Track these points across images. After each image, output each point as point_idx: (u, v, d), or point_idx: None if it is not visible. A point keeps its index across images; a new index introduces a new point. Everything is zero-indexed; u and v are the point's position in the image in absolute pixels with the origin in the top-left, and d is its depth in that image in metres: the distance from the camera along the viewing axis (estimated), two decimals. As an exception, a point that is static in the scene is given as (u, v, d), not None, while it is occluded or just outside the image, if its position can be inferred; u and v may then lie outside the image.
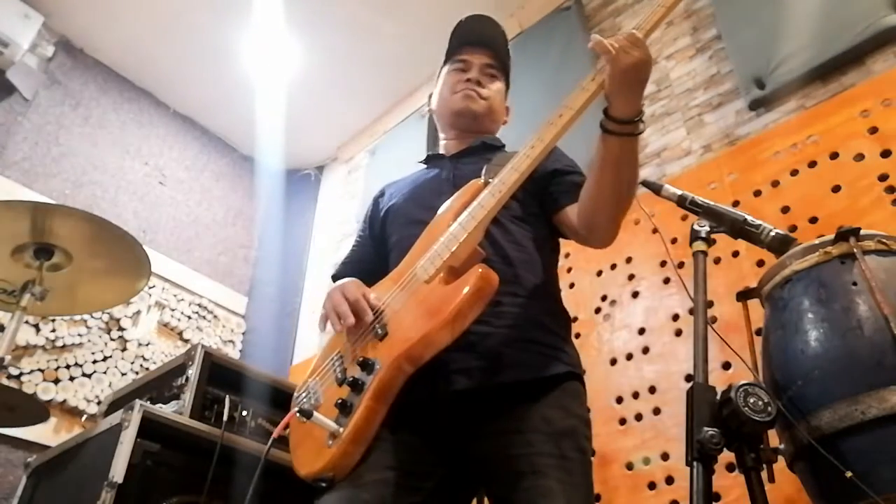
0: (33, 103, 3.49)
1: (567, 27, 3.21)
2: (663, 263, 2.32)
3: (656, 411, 2.12)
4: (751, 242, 1.24)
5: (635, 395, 2.20)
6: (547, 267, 1.36)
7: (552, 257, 1.42)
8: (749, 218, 1.24)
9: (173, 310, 3.60)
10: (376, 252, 1.49)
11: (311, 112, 4.14)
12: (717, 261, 2.15)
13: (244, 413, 1.96)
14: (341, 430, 1.11)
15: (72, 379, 3.05)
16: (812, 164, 2.11)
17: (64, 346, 3.08)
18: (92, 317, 3.23)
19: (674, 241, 2.22)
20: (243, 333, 4.00)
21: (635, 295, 2.37)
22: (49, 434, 2.84)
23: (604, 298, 2.46)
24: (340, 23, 3.67)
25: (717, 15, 2.66)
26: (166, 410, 1.85)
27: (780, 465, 1.18)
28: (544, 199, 1.38)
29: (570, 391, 1.22)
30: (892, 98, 2.02)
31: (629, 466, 2.10)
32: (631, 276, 2.41)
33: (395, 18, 3.54)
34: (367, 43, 3.75)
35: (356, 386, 1.14)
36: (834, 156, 2.08)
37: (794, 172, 2.14)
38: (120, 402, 2.16)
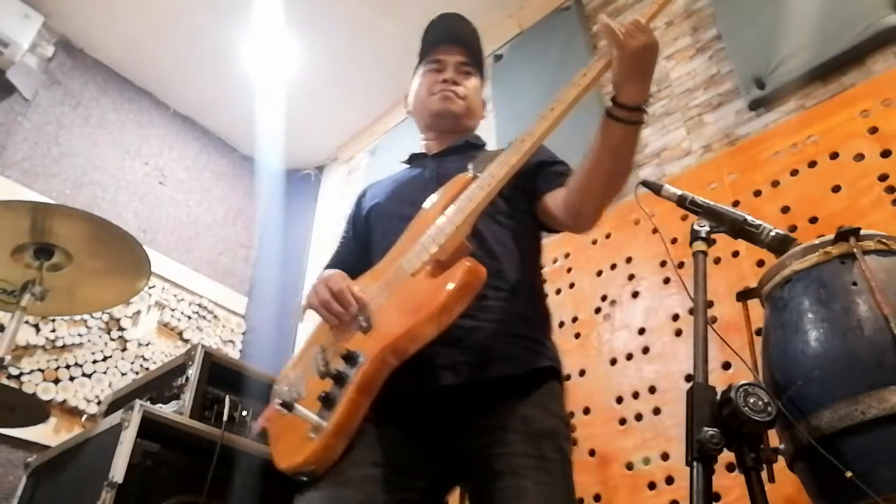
0: (33, 103, 3.49)
1: (567, 27, 3.21)
2: (663, 263, 2.32)
3: (656, 411, 2.12)
4: (751, 242, 1.24)
5: (635, 395, 2.20)
6: (531, 264, 1.37)
7: (536, 255, 1.43)
8: (749, 218, 1.24)
9: (173, 310, 3.60)
10: (359, 251, 1.49)
11: (311, 112, 4.14)
12: (717, 261, 2.15)
13: (244, 413, 1.96)
14: (324, 423, 1.10)
15: (72, 379, 3.05)
16: (812, 164, 2.11)
17: (64, 346, 3.08)
18: (92, 317, 3.22)
19: (674, 241, 2.22)
20: (243, 333, 4.00)
21: (635, 295, 2.37)
22: (49, 434, 2.84)
23: (604, 298, 2.46)
24: (340, 23, 3.67)
25: (717, 15, 2.66)
26: (166, 410, 1.85)
27: (780, 465, 1.18)
28: (530, 192, 1.38)
29: (551, 391, 1.23)
30: (892, 98, 2.02)
31: (629, 466, 2.10)
32: (631, 276, 2.41)
33: (395, 18, 3.55)
34: (367, 43, 3.75)
35: (340, 379, 1.13)
36: (834, 156, 2.08)
37: (794, 172, 2.14)
38: (120, 402, 2.16)
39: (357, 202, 1.59)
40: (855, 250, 1.21)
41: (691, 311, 1.21)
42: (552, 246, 2.76)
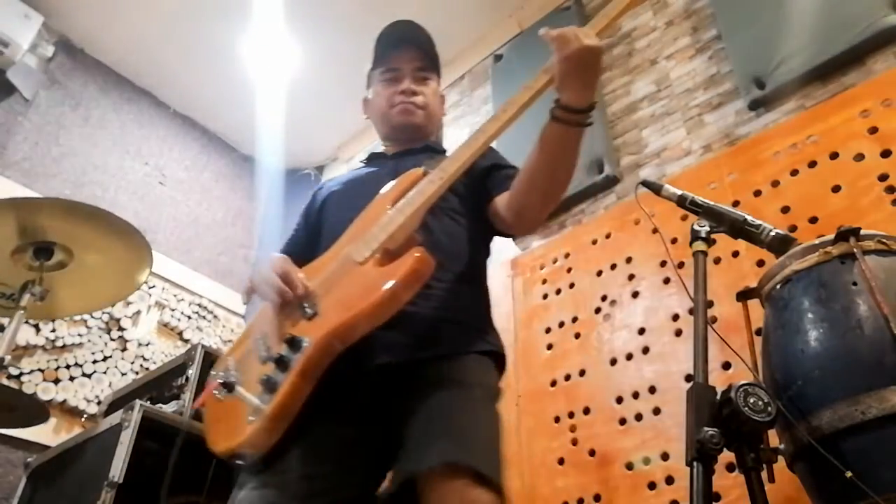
0: (33, 103, 3.49)
1: (567, 27, 3.21)
2: (663, 263, 2.32)
3: (656, 411, 2.11)
4: (751, 242, 1.24)
5: (635, 395, 2.19)
6: (477, 260, 1.39)
7: (483, 253, 1.44)
8: (749, 218, 1.24)
9: (173, 310, 3.60)
10: (309, 243, 1.48)
11: (311, 112, 4.14)
12: (717, 261, 2.14)
13: (244, 413, 1.95)
14: (264, 406, 1.09)
15: (72, 379, 3.05)
16: (812, 164, 2.11)
17: (64, 346, 3.08)
18: (92, 317, 3.22)
19: (674, 241, 2.22)
20: (243, 333, 3.99)
21: (635, 295, 2.37)
22: (49, 434, 2.83)
23: (604, 298, 2.46)
24: (340, 23, 3.67)
25: (717, 15, 2.66)
26: (166, 410, 1.86)
27: (780, 465, 1.18)
28: (481, 192, 1.40)
29: (485, 366, 1.24)
30: (892, 98, 2.02)
31: (629, 466, 2.10)
32: (631, 276, 2.41)
33: (395, 18, 3.54)
34: (368, 43, 3.72)
35: (282, 363, 1.12)
36: (834, 156, 2.08)
37: (794, 172, 2.14)
38: (120, 402, 2.16)
39: (313, 195, 1.59)
40: (855, 250, 1.21)
41: (691, 311, 1.21)
42: (552, 246, 2.76)
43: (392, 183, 1.32)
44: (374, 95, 1.58)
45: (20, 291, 1.91)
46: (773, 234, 1.21)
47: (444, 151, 1.56)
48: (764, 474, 1.06)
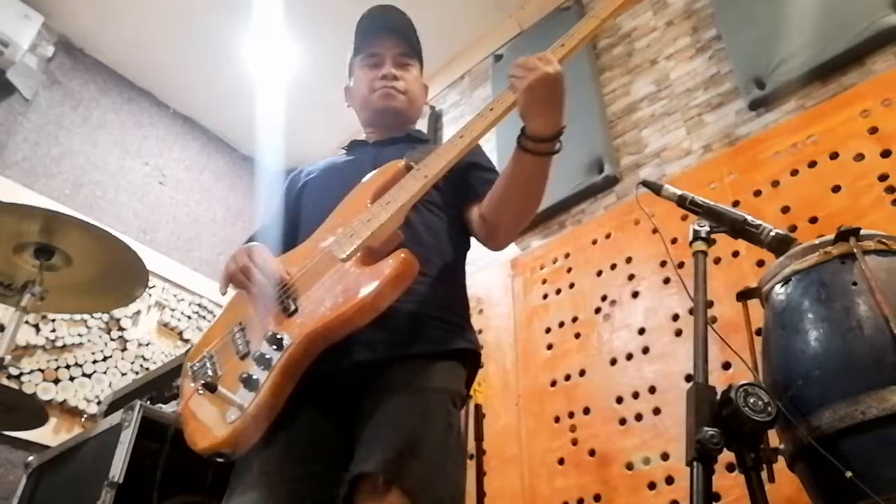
0: (33, 103, 3.49)
1: (567, 27, 3.18)
2: (663, 263, 2.32)
3: (656, 411, 2.12)
4: (751, 242, 1.24)
5: (635, 395, 2.20)
6: (457, 256, 1.38)
7: (463, 248, 1.43)
8: (749, 218, 1.24)
9: (173, 310, 3.60)
10: (286, 229, 1.46)
11: (311, 112, 4.14)
12: (717, 261, 2.15)
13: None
14: (246, 405, 1.07)
15: (72, 379, 3.05)
16: (812, 164, 2.11)
17: (64, 346, 3.08)
18: (92, 317, 3.22)
19: (674, 241, 2.22)
20: (243, 333, 3.99)
21: (635, 295, 2.37)
22: (49, 434, 2.83)
23: (604, 298, 2.46)
24: (340, 23, 3.65)
25: (717, 15, 2.66)
26: (166, 410, 1.86)
27: (780, 465, 1.18)
28: (460, 189, 1.39)
29: (455, 369, 1.23)
30: (892, 98, 2.02)
31: (629, 466, 2.10)
32: (631, 276, 2.42)
33: (395, 18, 3.54)
34: (367, 43, 3.74)
35: (263, 361, 1.10)
36: (834, 156, 2.08)
37: (794, 172, 2.14)
38: (120, 402, 2.16)
39: (291, 179, 1.57)
40: (855, 250, 1.21)
41: (691, 311, 1.21)
42: (552, 246, 2.76)
43: (373, 174, 1.30)
44: (355, 82, 1.57)
45: (21, 290, 1.91)
46: (773, 234, 1.21)
47: (426, 140, 1.55)
48: (764, 474, 1.06)
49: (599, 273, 2.52)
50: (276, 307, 1.18)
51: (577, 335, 2.47)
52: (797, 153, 2.16)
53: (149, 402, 1.85)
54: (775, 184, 2.17)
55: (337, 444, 1.14)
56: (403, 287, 1.11)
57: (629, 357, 2.28)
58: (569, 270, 2.64)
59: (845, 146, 2.05)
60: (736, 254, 2.13)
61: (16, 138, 3.36)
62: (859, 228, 1.24)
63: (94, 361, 3.16)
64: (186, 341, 3.59)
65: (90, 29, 3.76)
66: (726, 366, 1.93)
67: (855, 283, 1.19)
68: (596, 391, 2.31)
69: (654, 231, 2.28)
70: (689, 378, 1.93)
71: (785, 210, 2.11)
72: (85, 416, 2.90)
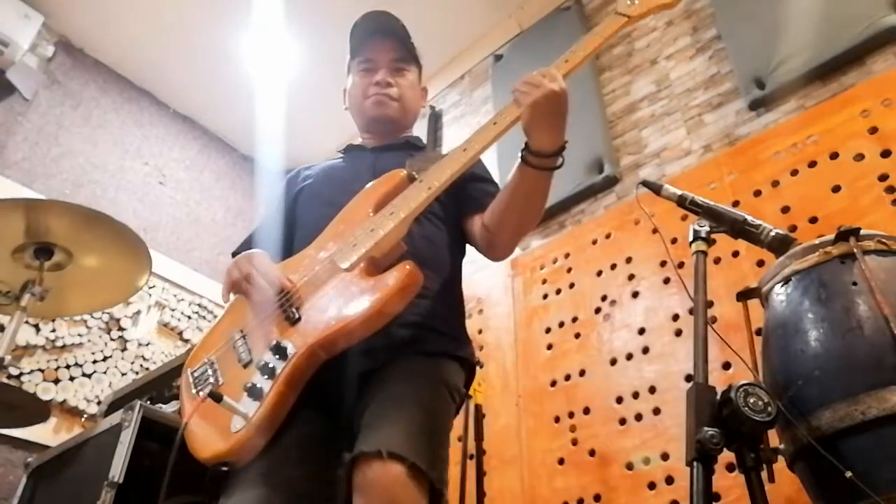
0: (33, 103, 3.49)
1: (567, 27, 3.21)
2: (663, 263, 2.32)
3: (656, 411, 2.12)
4: (751, 242, 1.24)
5: (635, 395, 2.20)
6: (455, 269, 1.40)
7: (461, 260, 1.45)
8: (749, 218, 1.24)
9: (173, 310, 3.60)
10: (283, 234, 1.46)
11: (311, 112, 4.14)
12: (717, 261, 2.15)
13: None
14: (250, 415, 1.07)
15: (72, 379, 3.05)
16: (812, 164, 2.11)
17: (64, 346, 3.08)
18: (92, 317, 3.22)
19: (674, 241, 2.22)
20: (243, 333, 3.99)
21: (635, 295, 2.37)
22: (49, 434, 2.83)
23: (604, 298, 2.46)
24: (340, 23, 3.65)
25: (717, 15, 2.66)
26: (166, 410, 1.85)
27: (780, 465, 1.18)
28: (459, 200, 1.40)
29: (453, 367, 1.25)
30: (892, 98, 2.02)
31: (629, 466, 2.10)
32: (631, 276, 2.42)
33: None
34: (367, 43, 3.74)
35: (267, 370, 1.10)
36: (834, 156, 2.08)
37: (794, 172, 2.14)
38: (120, 402, 2.16)
39: (287, 181, 1.57)
40: (855, 250, 1.21)
41: (691, 311, 1.21)
42: (552, 246, 2.76)
43: (374, 182, 1.31)
44: (351, 86, 1.57)
45: (20, 291, 1.91)
46: (773, 234, 1.21)
47: (423, 147, 1.56)
48: (764, 474, 1.06)
49: (599, 273, 2.52)
50: (279, 315, 1.18)
51: (577, 335, 2.47)
52: (797, 153, 2.16)
53: (149, 402, 1.85)
54: (775, 184, 2.17)
55: (336, 445, 1.14)
56: (408, 299, 1.12)
57: (629, 357, 2.28)
58: (569, 270, 2.64)
59: (845, 146, 2.05)
60: (736, 254, 2.13)
61: (16, 138, 3.36)
62: (859, 228, 1.24)
63: (94, 361, 3.16)
64: (186, 341, 3.59)
65: (90, 29, 3.76)
66: (726, 366, 1.93)
67: (855, 283, 1.19)
68: (596, 391, 2.31)
69: (654, 231, 2.28)
70: (689, 378, 1.94)
71: (785, 210, 2.11)
72: (85, 416, 2.90)
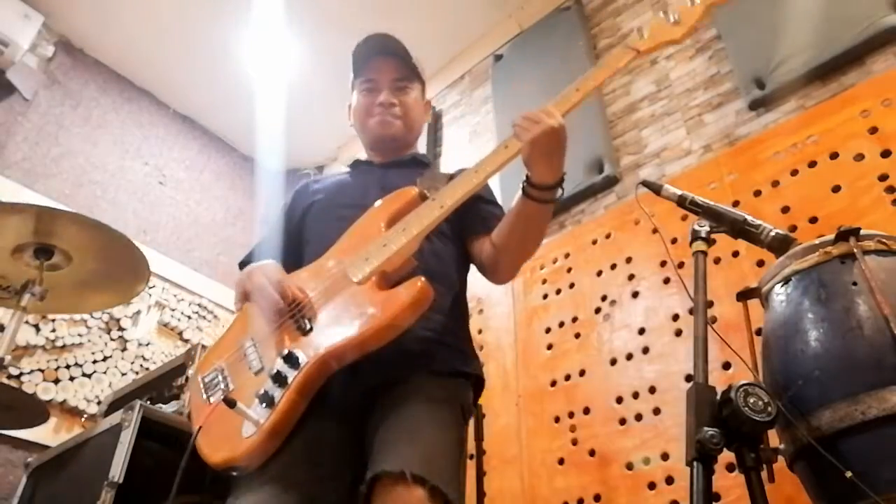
0: (33, 103, 3.49)
1: (567, 27, 3.21)
2: (663, 263, 2.32)
3: (656, 411, 2.12)
4: (751, 242, 1.24)
5: (635, 395, 2.20)
6: (461, 285, 1.44)
7: (464, 270, 1.49)
8: (749, 218, 1.24)
9: (173, 310, 3.60)
10: (290, 244, 1.49)
11: (311, 112, 4.14)
12: (717, 261, 2.14)
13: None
14: (262, 421, 1.10)
15: (72, 379, 3.05)
16: (812, 164, 2.11)
17: (64, 346, 3.08)
18: (92, 317, 3.22)
19: (674, 241, 2.22)
20: (243, 333, 3.99)
21: (635, 295, 2.37)
22: (49, 434, 2.83)
23: (604, 298, 2.46)
24: (340, 23, 3.67)
25: (717, 15, 2.66)
26: (166, 410, 1.86)
27: (780, 465, 1.18)
28: (465, 220, 1.44)
29: (463, 387, 1.29)
30: (892, 98, 2.02)
31: (629, 466, 2.10)
32: (631, 276, 2.41)
33: (395, 19, 3.54)
34: (367, 43, 3.74)
35: (279, 378, 1.13)
36: (834, 156, 2.08)
37: (794, 172, 2.14)
38: (120, 402, 2.16)
39: (296, 193, 1.60)
40: (855, 250, 1.21)
41: (691, 311, 1.21)
42: (552, 246, 2.76)
43: (386, 199, 1.35)
44: (355, 104, 1.61)
45: (21, 290, 1.91)
46: (773, 234, 1.21)
47: (429, 163, 1.61)
48: (764, 474, 1.06)
49: (599, 273, 2.52)
50: (290, 325, 1.21)
51: (577, 335, 2.47)
52: (797, 153, 2.16)
53: (149, 402, 1.85)
54: (775, 184, 2.17)
55: (344, 449, 1.18)
56: (419, 313, 1.15)
57: (629, 357, 2.28)
58: (569, 270, 2.64)
59: (845, 146, 2.05)
60: (736, 254, 2.13)
61: (16, 138, 3.36)
62: (859, 228, 1.24)
63: (94, 361, 3.17)
64: (186, 341, 3.59)
65: (90, 29, 3.76)
66: (726, 366, 1.93)
67: (855, 283, 1.19)
68: (596, 391, 2.31)
69: (654, 231, 2.28)
70: (689, 378, 1.94)
71: (785, 210, 2.11)
72: (85, 416, 2.90)
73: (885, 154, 1.96)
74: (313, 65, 3.89)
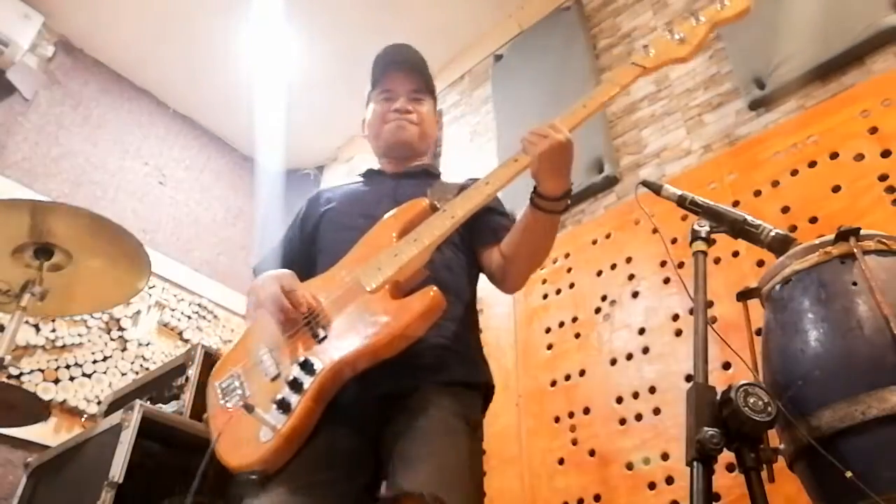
0: (33, 103, 3.49)
1: (567, 27, 3.21)
2: (663, 263, 2.32)
3: (656, 411, 2.11)
4: (751, 242, 1.24)
5: (635, 395, 2.19)
6: (472, 295, 1.47)
7: (475, 280, 1.51)
8: (749, 218, 1.24)
9: (173, 310, 3.60)
10: (303, 252, 1.51)
11: (311, 112, 4.14)
12: (717, 261, 2.14)
13: (244, 413, 1.95)
14: (279, 427, 1.13)
15: (72, 379, 3.05)
16: (812, 164, 2.11)
17: (64, 346, 3.08)
18: (92, 317, 3.22)
19: (674, 241, 2.22)
20: (243, 333, 3.99)
21: (635, 295, 2.37)
22: (49, 434, 2.83)
23: (604, 298, 2.46)
24: (341, 22, 3.67)
25: (717, 15, 2.65)
26: (166, 410, 1.86)
27: (780, 465, 1.18)
28: (475, 231, 1.46)
29: (474, 399, 1.32)
30: (892, 98, 2.02)
31: (629, 466, 2.10)
32: (631, 276, 2.41)
33: (396, 18, 3.54)
34: (368, 43, 3.73)
35: (295, 385, 1.16)
36: (834, 156, 2.08)
37: (794, 172, 2.14)
38: (120, 402, 2.16)
39: (309, 202, 1.62)
40: (855, 250, 1.20)
41: (691, 311, 1.21)
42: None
43: (398, 209, 1.37)
44: (370, 114, 1.63)
45: (21, 290, 1.91)
46: (773, 234, 1.21)
47: (439, 175, 1.61)
48: (764, 474, 1.06)
49: (599, 273, 2.52)
50: (305, 333, 1.23)
51: (577, 335, 2.47)
52: (797, 153, 2.16)
53: (149, 402, 1.85)
54: (775, 184, 2.17)
55: (357, 455, 1.20)
56: (431, 322, 1.18)
57: (629, 357, 2.28)
58: (569, 270, 2.64)
59: (845, 146, 2.05)
60: (736, 254, 2.13)
61: (16, 138, 3.36)
62: (859, 228, 1.23)
63: (94, 361, 3.17)
64: (186, 341, 3.59)
65: (90, 29, 3.76)
66: (726, 366, 1.92)
67: (855, 284, 1.18)
68: (596, 391, 2.31)
69: (654, 231, 2.28)
70: (689, 378, 1.93)
71: (785, 210, 2.11)
72: (85, 416, 2.90)
73: (885, 154, 1.96)
74: (314, 65, 3.89)
